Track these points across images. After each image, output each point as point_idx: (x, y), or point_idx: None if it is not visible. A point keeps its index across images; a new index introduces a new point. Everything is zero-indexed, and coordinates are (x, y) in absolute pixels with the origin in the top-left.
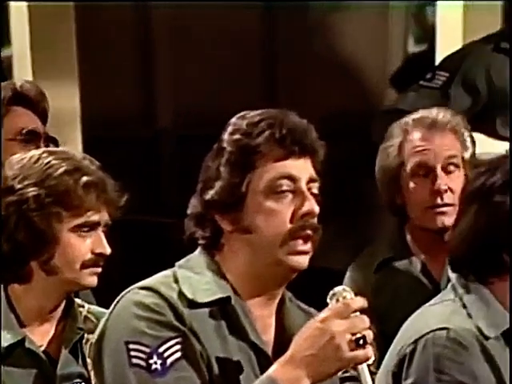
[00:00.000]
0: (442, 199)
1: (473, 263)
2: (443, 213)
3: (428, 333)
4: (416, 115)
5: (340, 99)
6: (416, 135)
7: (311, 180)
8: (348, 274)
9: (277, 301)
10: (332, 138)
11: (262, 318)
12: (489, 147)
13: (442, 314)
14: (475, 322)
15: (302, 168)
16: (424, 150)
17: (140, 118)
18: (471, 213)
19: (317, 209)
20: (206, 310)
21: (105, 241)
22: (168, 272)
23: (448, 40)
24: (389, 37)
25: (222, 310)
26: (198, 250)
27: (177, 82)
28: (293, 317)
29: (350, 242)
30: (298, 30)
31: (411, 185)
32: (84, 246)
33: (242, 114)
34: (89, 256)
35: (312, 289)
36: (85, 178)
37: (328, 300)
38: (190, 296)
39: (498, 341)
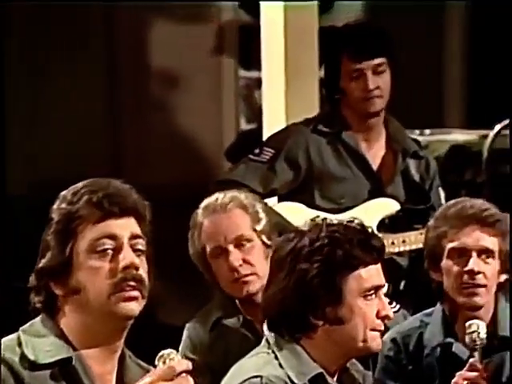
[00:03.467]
0: (238, 273)
1: (283, 323)
2: (245, 282)
3: (244, 381)
4: (204, 203)
5: (180, 172)
6: (206, 222)
7: (134, 237)
8: (185, 332)
9: (117, 357)
10: (173, 206)
11: (102, 375)
12: (308, 215)
13: (257, 364)
14: (285, 371)
15: (124, 226)
16: (215, 234)
17: None
18: (280, 278)
19: (137, 261)
20: (48, 371)
21: None
22: (13, 336)
23: (273, 120)
24: (222, 116)
25: (63, 370)
26: (41, 314)
27: (28, 151)
28: (132, 374)
29: (191, 301)
30: (142, 106)
31: (214, 265)
32: None
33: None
34: None
35: (153, 345)
36: None
37: (156, 362)
38: (32, 358)
39: None
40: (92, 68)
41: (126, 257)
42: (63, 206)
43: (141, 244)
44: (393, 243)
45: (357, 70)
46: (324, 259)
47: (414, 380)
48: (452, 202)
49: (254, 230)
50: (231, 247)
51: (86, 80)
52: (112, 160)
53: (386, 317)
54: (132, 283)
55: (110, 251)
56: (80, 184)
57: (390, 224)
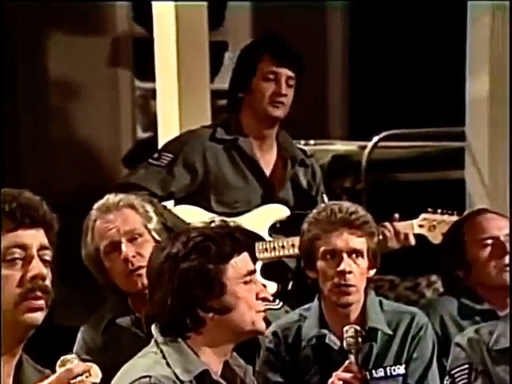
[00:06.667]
0: (132, 264)
1: (173, 325)
2: (139, 275)
3: (133, 382)
4: (96, 205)
5: (79, 178)
6: (99, 221)
7: (42, 248)
8: (79, 334)
9: (15, 362)
10: (70, 211)
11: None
12: (205, 217)
13: (145, 364)
14: (173, 370)
15: (33, 237)
16: (108, 230)
17: None
18: (163, 283)
19: (45, 271)
20: None
21: None
22: None
23: (167, 129)
24: (120, 125)
25: None
26: None
27: None
28: (29, 378)
29: (88, 302)
30: (41, 115)
31: (108, 262)
32: None
33: None
34: None
35: (51, 346)
36: None
37: (57, 368)
38: None
39: None
40: None
41: (35, 267)
42: None
43: (48, 255)
44: (283, 246)
45: (274, 73)
46: (201, 256)
47: (293, 370)
48: (322, 206)
49: (146, 227)
50: (124, 240)
51: None
52: (10, 168)
53: (265, 298)
54: (39, 293)
55: (19, 261)
56: None
57: (281, 228)
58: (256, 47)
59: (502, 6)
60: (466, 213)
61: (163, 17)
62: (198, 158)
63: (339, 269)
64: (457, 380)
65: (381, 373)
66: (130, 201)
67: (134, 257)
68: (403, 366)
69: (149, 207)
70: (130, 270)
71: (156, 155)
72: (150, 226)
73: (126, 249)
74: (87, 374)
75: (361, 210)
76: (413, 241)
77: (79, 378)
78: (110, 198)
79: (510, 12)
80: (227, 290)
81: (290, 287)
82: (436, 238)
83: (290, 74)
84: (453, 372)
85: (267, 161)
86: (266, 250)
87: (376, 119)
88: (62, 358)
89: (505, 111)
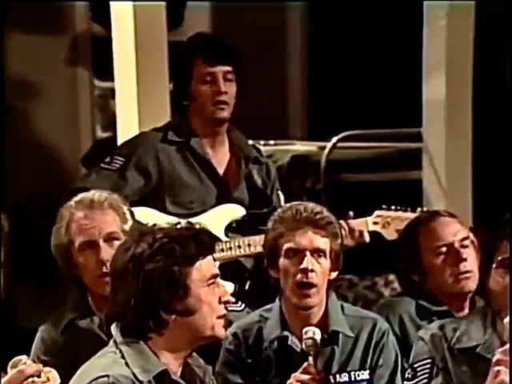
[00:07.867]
0: (106, 267)
1: (135, 325)
2: None
3: (91, 381)
4: (78, 197)
5: (38, 179)
6: (80, 215)
7: None
8: (38, 334)
9: None
10: (30, 211)
11: None
12: (160, 219)
13: (104, 364)
14: (131, 370)
15: None
16: (88, 228)
17: None
18: (127, 283)
19: None
20: None
21: None
22: None
23: (127, 129)
24: (79, 125)
25: None
26: None
27: None
28: None
29: (51, 304)
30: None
31: (80, 259)
32: None
33: None
34: None
35: (9, 348)
36: None
37: (8, 369)
38: None
39: None
40: None
41: None
42: None
43: None
44: (239, 246)
45: (210, 74)
46: (166, 257)
47: (253, 372)
48: (287, 205)
49: (122, 230)
50: (102, 242)
51: None
52: None
53: (227, 301)
54: None
55: None
56: None
57: (237, 228)
58: (186, 52)
59: (458, 6)
60: (418, 212)
61: (121, 16)
62: (150, 160)
63: (301, 266)
64: (418, 374)
65: (345, 377)
66: (114, 201)
67: (108, 260)
68: (367, 371)
69: (125, 209)
70: (103, 272)
71: (108, 159)
72: (126, 227)
73: (104, 251)
74: (45, 379)
75: (325, 211)
76: (367, 238)
77: (31, 380)
78: (96, 194)
79: (474, 15)
80: (191, 293)
81: (247, 287)
82: (390, 234)
83: (227, 68)
84: (415, 365)
85: (220, 160)
86: (223, 250)
87: (335, 120)
88: (13, 359)
89: (461, 112)
